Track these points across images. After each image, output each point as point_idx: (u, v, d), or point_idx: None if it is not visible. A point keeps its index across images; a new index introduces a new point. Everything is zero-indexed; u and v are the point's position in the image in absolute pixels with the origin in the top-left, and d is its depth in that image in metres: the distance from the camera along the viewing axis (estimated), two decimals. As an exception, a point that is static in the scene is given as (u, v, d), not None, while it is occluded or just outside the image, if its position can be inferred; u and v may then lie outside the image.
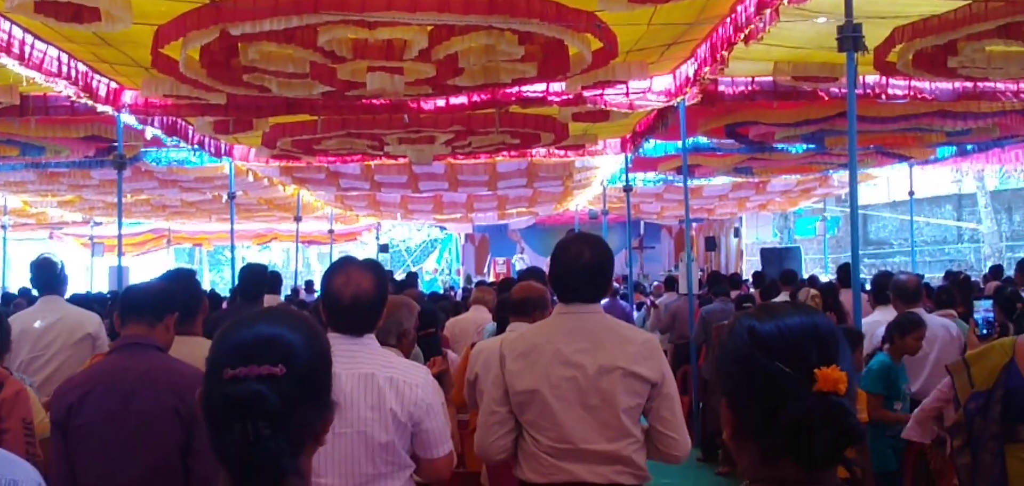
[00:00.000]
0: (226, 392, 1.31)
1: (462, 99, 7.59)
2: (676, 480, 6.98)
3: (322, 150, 10.02)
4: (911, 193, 13.82)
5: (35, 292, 5.39)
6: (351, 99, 7.32)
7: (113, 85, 7.22)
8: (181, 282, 3.68)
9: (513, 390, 2.88)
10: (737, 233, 22.47)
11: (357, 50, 5.89)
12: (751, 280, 12.79)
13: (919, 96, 7.80)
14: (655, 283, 16.35)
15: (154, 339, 2.98)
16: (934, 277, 15.29)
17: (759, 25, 5.37)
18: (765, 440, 1.31)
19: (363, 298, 2.62)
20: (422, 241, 31.85)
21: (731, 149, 11.13)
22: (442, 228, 26.24)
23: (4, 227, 15.05)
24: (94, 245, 19.81)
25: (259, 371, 1.31)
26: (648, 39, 6.27)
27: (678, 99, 7.56)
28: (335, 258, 3.75)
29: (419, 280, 15.44)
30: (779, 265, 15.07)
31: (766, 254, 19.38)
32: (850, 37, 4.70)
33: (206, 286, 19.88)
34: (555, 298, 3.10)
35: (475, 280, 17.61)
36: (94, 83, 6.90)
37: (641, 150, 10.30)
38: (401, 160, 10.72)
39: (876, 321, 5.73)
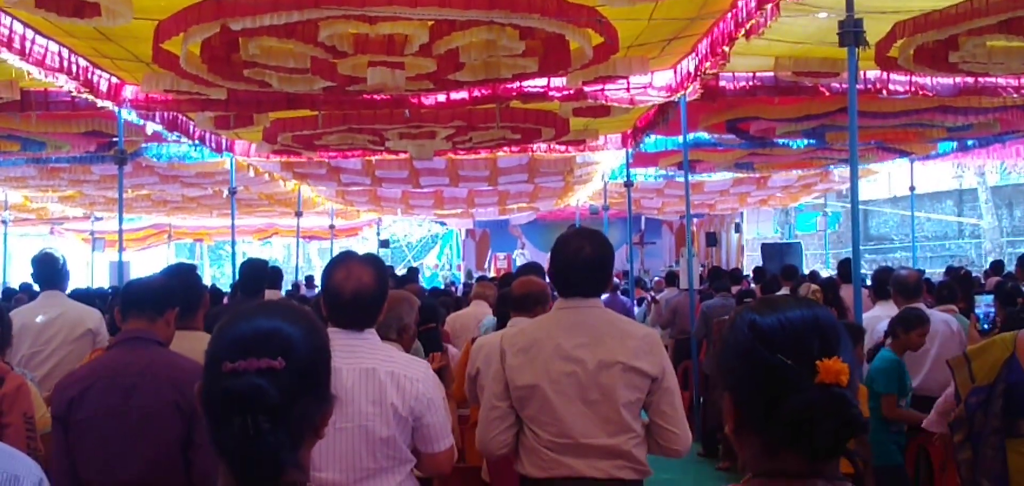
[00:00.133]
0: (225, 386, 1.30)
1: (463, 94, 7.60)
2: (677, 475, 6.98)
3: (323, 145, 10.01)
4: (912, 188, 13.82)
5: (36, 287, 5.40)
6: (352, 94, 7.32)
7: (114, 80, 7.23)
8: (182, 277, 3.69)
9: (513, 385, 2.88)
10: (738, 228, 22.47)
11: (358, 45, 5.88)
12: (752, 275, 12.77)
13: (920, 91, 7.80)
14: (656, 278, 16.32)
15: (155, 334, 2.99)
16: (935, 272, 15.28)
17: (760, 20, 5.37)
18: (767, 432, 1.31)
19: (364, 293, 2.61)
20: (423, 236, 31.82)
21: (732, 144, 11.13)
22: (443, 223, 26.23)
23: (5, 222, 15.05)
24: (95, 240, 19.86)
25: (258, 364, 1.31)
26: (649, 34, 6.26)
27: (679, 94, 7.56)
28: (336, 253, 3.75)
29: (420, 275, 15.44)
30: (780, 260, 15.07)
31: (767, 249, 19.38)
32: (851, 32, 4.70)
33: (207, 281, 19.71)
34: (555, 293, 3.09)
35: (476, 275, 17.59)
36: (95, 78, 6.90)
37: (642, 145, 10.29)
38: (402, 155, 10.72)
39: (876, 316, 5.73)
